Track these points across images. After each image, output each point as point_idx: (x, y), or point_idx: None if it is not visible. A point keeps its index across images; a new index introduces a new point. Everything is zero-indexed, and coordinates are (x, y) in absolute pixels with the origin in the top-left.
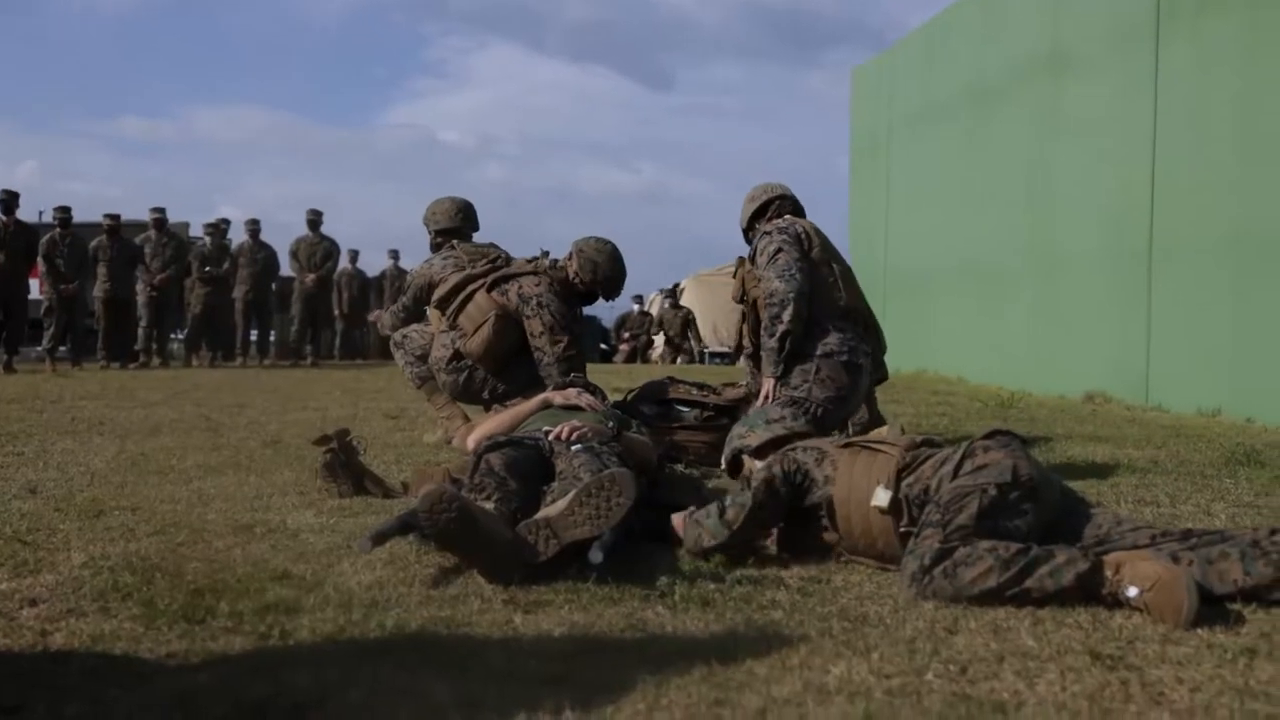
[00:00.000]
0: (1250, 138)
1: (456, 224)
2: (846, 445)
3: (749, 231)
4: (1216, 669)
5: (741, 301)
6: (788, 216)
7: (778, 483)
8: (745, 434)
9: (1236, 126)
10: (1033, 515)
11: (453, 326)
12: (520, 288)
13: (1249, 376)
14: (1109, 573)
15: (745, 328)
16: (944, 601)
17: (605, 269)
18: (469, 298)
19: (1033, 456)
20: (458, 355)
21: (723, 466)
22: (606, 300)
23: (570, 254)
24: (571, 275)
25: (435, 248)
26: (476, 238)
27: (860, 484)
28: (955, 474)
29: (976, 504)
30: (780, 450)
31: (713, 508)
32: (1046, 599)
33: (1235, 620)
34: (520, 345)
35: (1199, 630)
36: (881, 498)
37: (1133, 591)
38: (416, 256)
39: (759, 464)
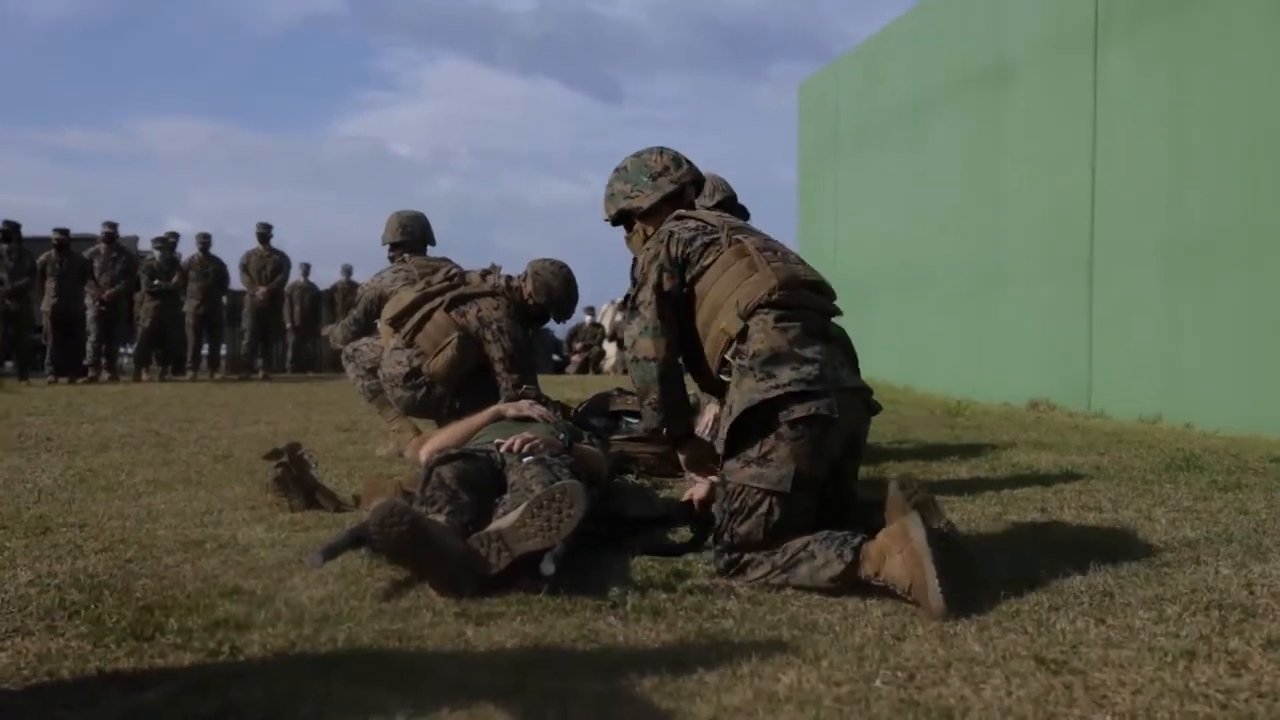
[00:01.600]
0: (1186, 145)
1: (402, 238)
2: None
3: None
4: (1158, 672)
5: None
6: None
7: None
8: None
9: (1172, 134)
10: (812, 504)
11: (409, 344)
12: (479, 310)
13: (1187, 383)
14: (868, 570)
15: None
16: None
17: (559, 292)
18: (427, 316)
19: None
20: (415, 372)
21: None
22: (558, 322)
23: (525, 275)
24: (526, 296)
25: (391, 261)
26: (432, 251)
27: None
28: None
29: (763, 523)
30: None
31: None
32: (813, 588)
33: (1176, 624)
34: (479, 365)
35: (1141, 634)
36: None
37: (898, 590)
38: (369, 270)
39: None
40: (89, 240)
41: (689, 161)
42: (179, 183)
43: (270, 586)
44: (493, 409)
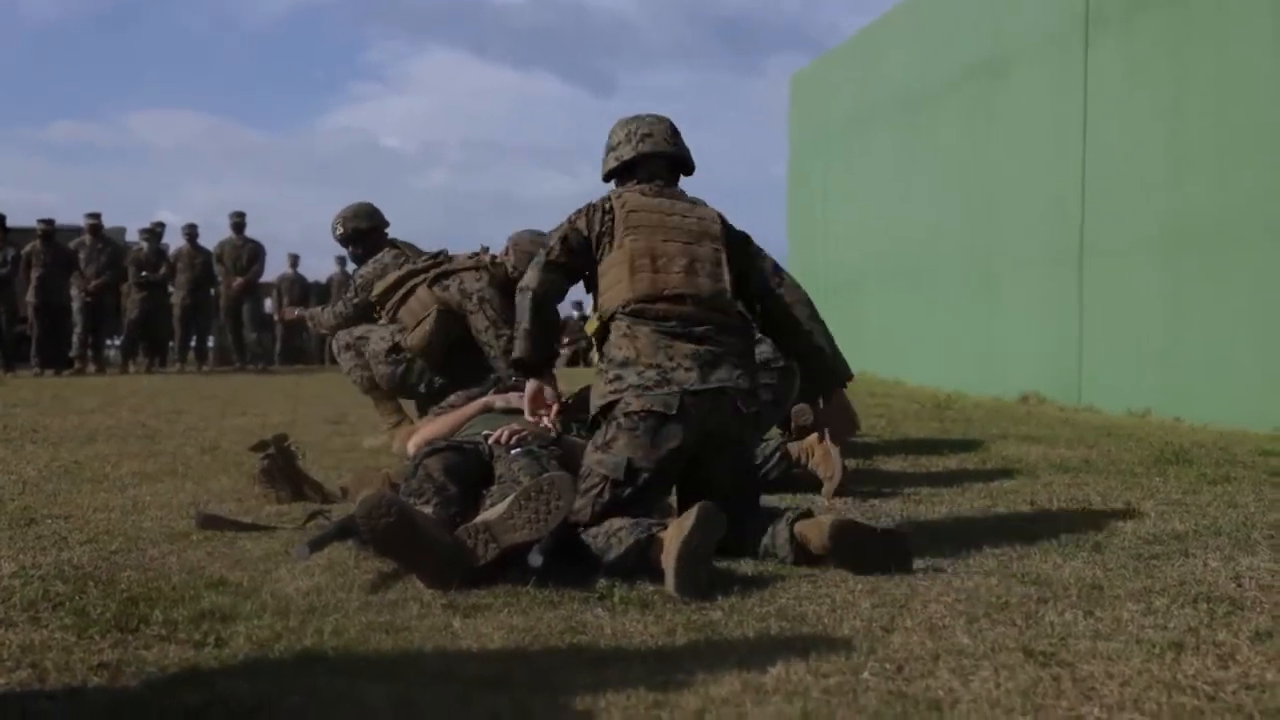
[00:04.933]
0: (1177, 138)
1: (374, 223)
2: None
3: None
4: (1145, 663)
5: None
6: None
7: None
8: None
9: (1164, 127)
10: (652, 492)
11: (392, 320)
12: (461, 283)
13: (1177, 377)
14: (655, 551)
15: None
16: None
17: None
18: (410, 292)
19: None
20: (396, 348)
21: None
22: None
23: (507, 248)
24: (510, 271)
25: (360, 255)
26: (423, 243)
27: None
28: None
29: (592, 503)
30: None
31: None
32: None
33: (1164, 616)
34: (459, 340)
35: (1129, 626)
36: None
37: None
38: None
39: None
40: (75, 231)
41: (651, 135)
42: (169, 176)
43: (256, 578)
44: (481, 400)
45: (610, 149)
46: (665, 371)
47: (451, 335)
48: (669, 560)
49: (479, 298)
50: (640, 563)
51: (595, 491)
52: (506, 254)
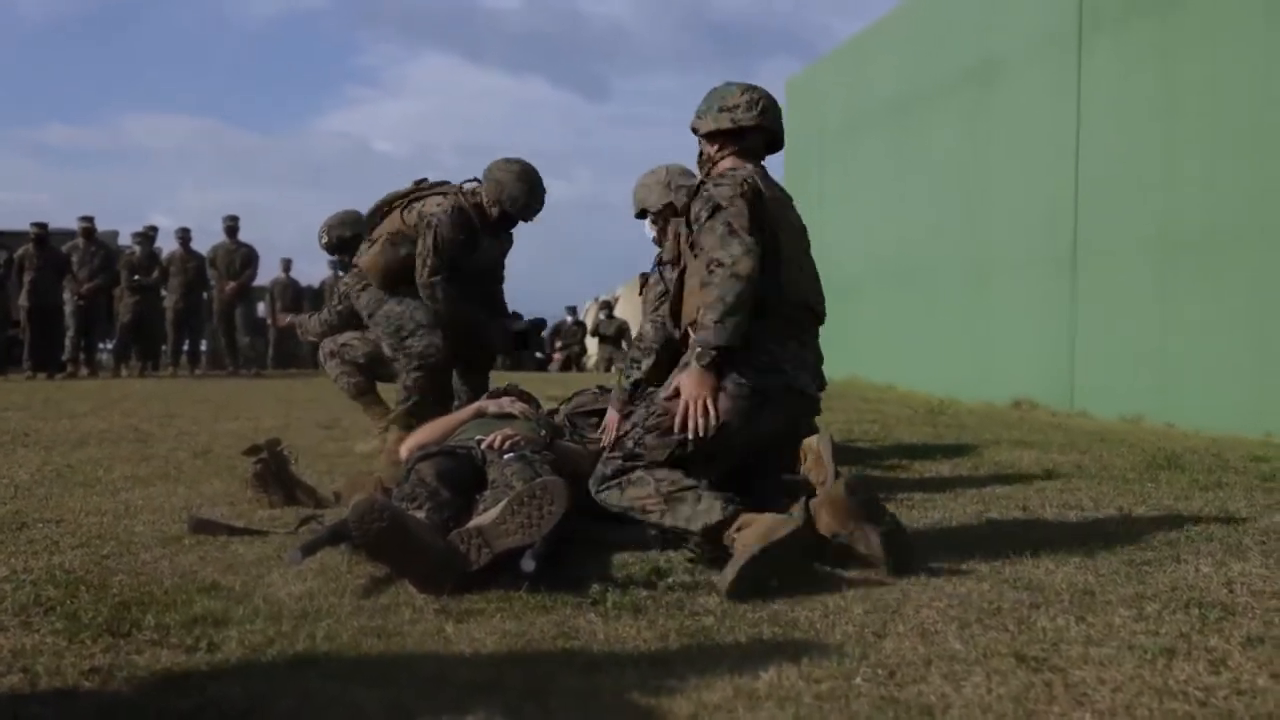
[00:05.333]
0: (1171, 143)
1: (360, 229)
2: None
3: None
4: (1137, 669)
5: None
6: None
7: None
8: None
9: (1158, 131)
10: (720, 462)
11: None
12: (424, 206)
13: (1169, 383)
14: (733, 531)
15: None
16: (611, 508)
17: (510, 188)
18: (386, 215)
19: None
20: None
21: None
22: (525, 221)
23: (483, 178)
24: (486, 201)
25: (346, 263)
26: None
27: None
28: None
29: (670, 450)
30: None
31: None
32: (681, 532)
33: (1155, 622)
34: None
35: (1121, 632)
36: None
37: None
38: None
39: None
40: (68, 235)
41: (769, 110)
42: (163, 179)
43: (249, 583)
44: (474, 405)
45: (724, 108)
46: (779, 362)
47: (397, 260)
48: (744, 552)
49: (428, 223)
50: (708, 534)
51: (676, 440)
52: (482, 186)
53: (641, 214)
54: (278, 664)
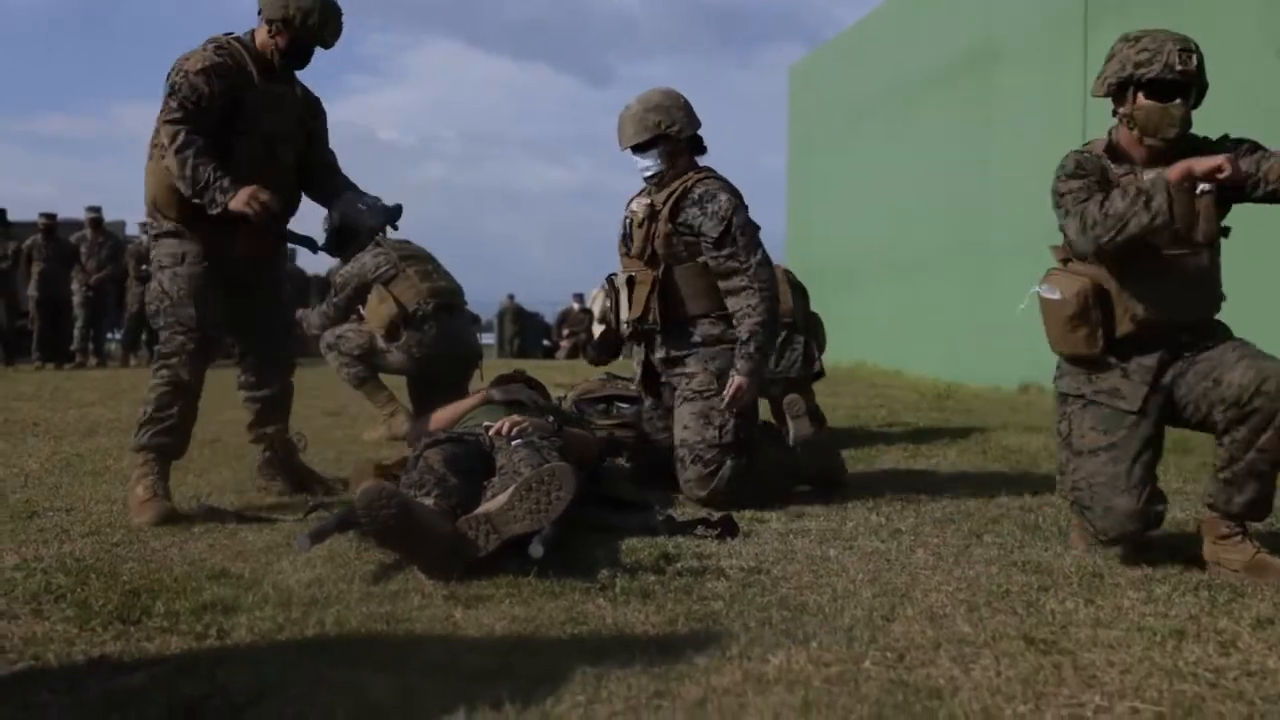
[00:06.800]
0: None
1: None
2: None
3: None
4: (1146, 651)
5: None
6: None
7: None
8: None
9: None
10: None
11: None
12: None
13: None
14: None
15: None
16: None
17: (295, 3)
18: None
19: None
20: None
21: None
22: (324, 46)
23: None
24: (268, 31)
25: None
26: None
27: None
28: None
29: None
30: None
31: None
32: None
33: (1165, 604)
34: None
35: (1130, 614)
36: None
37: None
38: None
39: None
40: (76, 226)
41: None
42: None
43: (258, 569)
44: (482, 392)
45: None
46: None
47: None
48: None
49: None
50: None
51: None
52: (259, 13)
53: (651, 142)
54: (287, 650)
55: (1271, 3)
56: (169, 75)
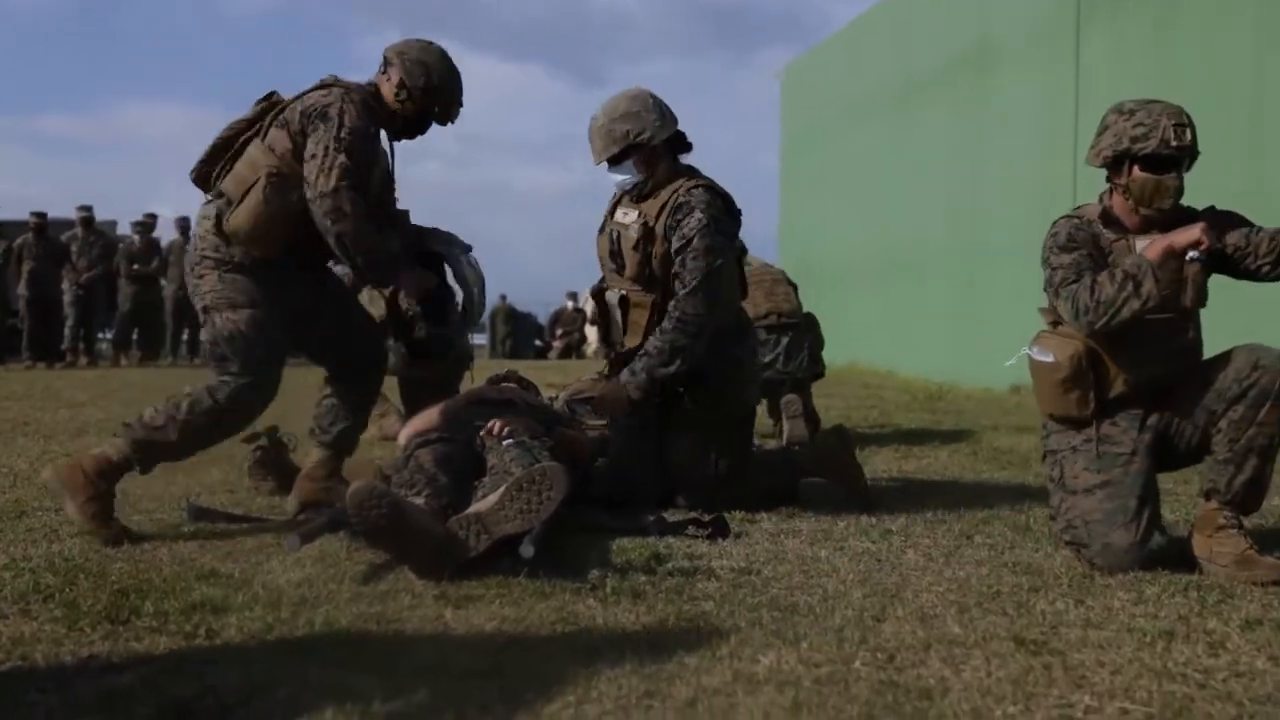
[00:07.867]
0: None
1: None
2: None
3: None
4: (1136, 652)
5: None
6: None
7: None
8: None
9: None
10: None
11: (218, 196)
12: (304, 104)
13: None
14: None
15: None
16: None
17: (438, 73)
18: (238, 153)
19: None
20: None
21: None
22: (443, 124)
23: (385, 63)
24: (396, 88)
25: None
26: None
27: None
28: None
29: None
30: None
31: None
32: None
33: (1155, 605)
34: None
35: (1120, 615)
36: None
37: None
38: None
39: None
40: (67, 225)
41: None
42: (160, 168)
43: (248, 569)
44: (473, 391)
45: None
46: None
47: (293, 207)
48: None
49: (322, 113)
50: None
51: None
52: (387, 70)
53: (623, 154)
54: (277, 651)
55: (1268, 3)
56: (327, 116)
